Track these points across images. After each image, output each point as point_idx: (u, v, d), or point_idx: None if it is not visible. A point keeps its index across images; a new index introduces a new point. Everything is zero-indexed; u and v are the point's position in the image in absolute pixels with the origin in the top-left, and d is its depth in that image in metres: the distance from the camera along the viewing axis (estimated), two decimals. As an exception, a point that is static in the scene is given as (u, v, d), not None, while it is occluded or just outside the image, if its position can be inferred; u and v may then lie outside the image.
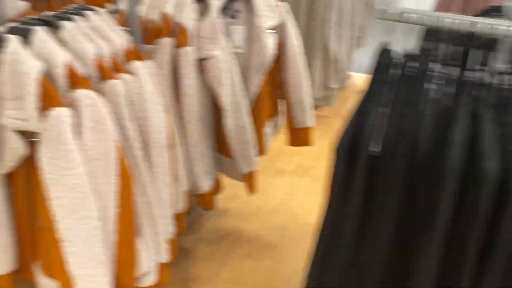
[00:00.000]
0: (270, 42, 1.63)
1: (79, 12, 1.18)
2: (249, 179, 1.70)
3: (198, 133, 1.55)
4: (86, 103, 0.99)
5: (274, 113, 1.90)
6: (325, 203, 1.16)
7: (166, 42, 1.44)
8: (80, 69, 1.05)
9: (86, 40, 1.11)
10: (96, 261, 1.01)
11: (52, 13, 1.15)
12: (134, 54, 1.22)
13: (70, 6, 1.22)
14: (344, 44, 2.78)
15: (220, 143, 1.70)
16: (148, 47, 1.48)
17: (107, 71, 1.10)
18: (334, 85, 2.87)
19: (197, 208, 2.00)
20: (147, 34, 1.51)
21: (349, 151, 1.04)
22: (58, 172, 0.95)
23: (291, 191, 2.32)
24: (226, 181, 1.84)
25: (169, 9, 1.48)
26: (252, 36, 1.63)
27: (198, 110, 1.53)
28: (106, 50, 1.14)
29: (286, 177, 2.44)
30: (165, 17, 1.48)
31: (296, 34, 1.75)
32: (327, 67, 2.78)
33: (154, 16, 1.51)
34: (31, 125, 0.95)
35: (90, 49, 1.08)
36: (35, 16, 1.12)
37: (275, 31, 1.68)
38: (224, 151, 1.70)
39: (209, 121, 1.62)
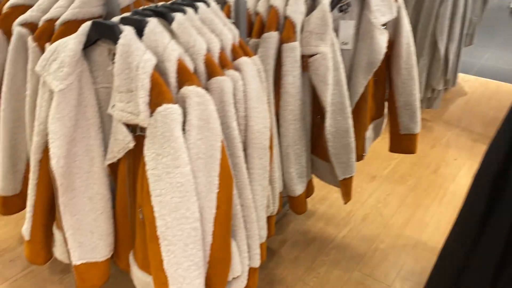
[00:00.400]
0: (382, 40, 1.50)
1: (190, 3, 1.15)
2: (345, 186, 1.60)
3: (295, 133, 1.47)
4: (195, 101, 0.94)
5: (377, 115, 1.77)
6: (457, 230, 1.02)
7: (272, 36, 1.37)
8: (189, 64, 1.02)
9: (197, 34, 1.07)
10: (191, 262, 0.98)
11: (164, 3, 1.13)
12: (242, 49, 1.16)
13: (182, -3, 1.19)
14: (455, 42, 2.54)
15: (316, 145, 1.61)
16: (253, 40, 1.43)
17: (215, 67, 1.05)
18: (439, 87, 2.64)
19: (283, 207, 1.93)
20: (252, 27, 1.45)
21: (494, 183, 0.89)
22: (163, 169, 0.93)
23: (385, 199, 2.17)
24: (315, 181, 1.75)
25: (277, 1, 1.41)
26: (363, 32, 1.51)
27: (298, 109, 1.45)
28: (215, 45, 1.09)
29: (380, 183, 2.29)
30: (272, 10, 1.40)
31: (410, 31, 1.60)
32: (435, 67, 2.56)
33: (261, 9, 1.45)
34: (140, 120, 0.93)
35: (201, 44, 1.04)
36: (148, 7, 1.10)
37: (385, 27, 1.54)
38: (320, 153, 1.61)
39: (307, 120, 1.53)
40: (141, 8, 1.09)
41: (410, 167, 2.43)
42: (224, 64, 1.09)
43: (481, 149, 2.58)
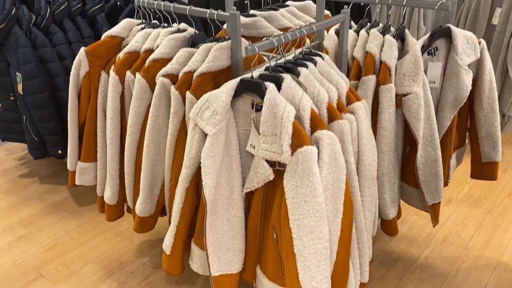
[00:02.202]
0: (468, 79, 1.66)
1: (309, 58, 1.38)
2: (434, 211, 1.75)
3: (390, 163, 1.65)
4: (326, 142, 1.16)
5: (459, 145, 1.92)
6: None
7: (371, 79, 1.57)
8: (316, 110, 1.24)
9: (319, 85, 1.29)
10: (323, 276, 1.18)
11: (289, 59, 1.37)
12: (353, 94, 1.38)
13: (301, 51, 1.42)
14: (526, 70, 2.64)
15: (405, 172, 1.78)
16: (351, 82, 1.64)
17: (336, 112, 1.26)
18: (510, 113, 2.73)
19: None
20: (349, 70, 1.67)
21: None
22: (302, 198, 1.14)
23: (462, 221, 2.29)
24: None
25: (373, 48, 1.61)
26: (449, 72, 1.68)
27: (392, 141, 1.63)
28: (334, 93, 1.31)
29: (456, 206, 2.41)
30: (369, 56, 1.61)
31: (491, 69, 1.75)
32: (506, 94, 2.67)
33: (357, 54, 1.66)
34: (283, 158, 1.15)
35: (323, 93, 1.26)
36: (278, 63, 1.34)
37: (469, 66, 1.71)
38: (409, 180, 1.78)
39: (399, 151, 1.71)
40: (273, 64, 1.32)
41: (484, 190, 2.53)
42: (341, 109, 1.31)
43: (556, 173, 2.64)
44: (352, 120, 1.30)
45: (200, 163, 1.29)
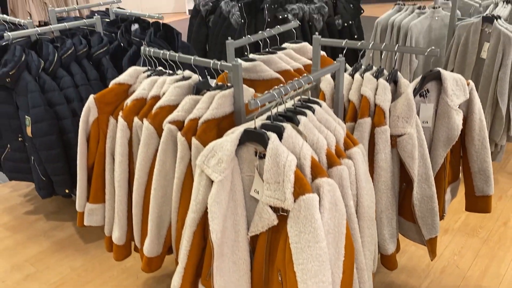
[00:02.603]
0: (458, 119, 1.75)
1: (308, 105, 1.46)
2: (431, 244, 1.82)
3: (388, 200, 1.73)
4: (327, 189, 1.23)
5: (453, 179, 2.00)
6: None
7: (366, 122, 1.66)
8: (316, 157, 1.32)
9: (318, 132, 1.37)
10: (326, 317, 1.24)
11: (288, 107, 1.45)
12: (350, 140, 1.46)
13: (299, 98, 1.51)
14: (516, 101, 2.74)
15: (402, 208, 1.85)
16: (347, 124, 1.72)
17: (335, 158, 1.34)
18: (502, 142, 2.82)
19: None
20: (347, 113, 1.75)
21: None
22: (305, 243, 1.21)
23: (460, 251, 2.35)
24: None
25: (368, 92, 1.70)
26: (441, 112, 1.77)
27: (389, 180, 1.71)
28: (332, 140, 1.39)
29: (453, 235, 2.48)
30: (364, 99, 1.70)
31: (480, 108, 1.84)
32: (498, 124, 2.76)
33: (353, 97, 1.75)
34: (286, 205, 1.22)
35: (322, 140, 1.35)
36: (278, 112, 1.43)
37: (459, 106, 1.80)
38: (406, 215, 1.85)
39: (395, 188, 1.79)
40: (274, 113, 1.41)
41: (480, 220, 2.60)
42: (339, 154, 1.39)
43: (549, 201, 2.71)
44: (350, 165, 1.38)
45: (207, 208, 1.36)
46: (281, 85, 1.40)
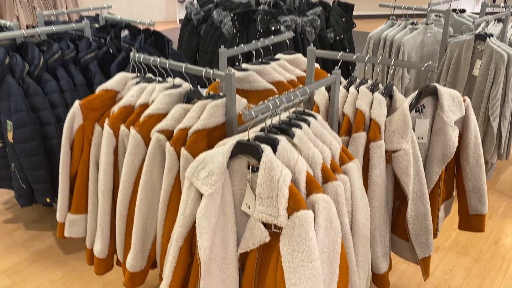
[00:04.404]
0: (454, 136, 1.72)
1: (303, 118, 1.41)
2: (424, 264, 1.77)
3: (381, 217, 1.68)
4: (322, 206, 1.18)
5: (447, 197, 1.96)
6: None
7: (361, 136, 1.61)
8: (311, 172, 1.26)
9: (313, 146, 1.32)
10: None
11: (283, 119, 1.40)
12: (346, 154, 1.41)
13: (294, 110, 1.46)
14: (507, 120, 2.73)
15: (395, 225, 1.80)
16: (342, 138, 1.67)
17: (330, 173, 1.29)
18: (493, 160, 2.81)
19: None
20: (341, 126, 1.71)
21: None
22: (299, 263, 1.15)
23: (451, 270, 2.31)
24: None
25: (363, 106, 1.66)
26: (437, 129, 1.74)
27: (383, 196, 1.66)
28: (327, 154, 1.34)
29: (444, 253, 2.43)
30: (359, 113, 1.66)
31: (476, 126, 1.82)
32: (489, 142, 2.75)
33: (347, 111, 1.70)
34: (279, 221, 1.16)
35: (318, 155, 1.29)
36: (272, 124, 1.37)
37: (455, 122, 1.77)
38: (400, 233, 1.80)
39: (389, 205, 1.74)
40: (268, 125, 1.35)
41: (471, 238, 2.56)
42: (334, 169, 1.34)
43: (539, 221, 2.69)
44: (346, 181, 1.32)
45: (195, 222, 1.29)
46: (276, 96, 1.35)
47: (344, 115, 1.71)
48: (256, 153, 1.23)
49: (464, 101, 1.76)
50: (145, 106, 1.68)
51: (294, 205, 1.16)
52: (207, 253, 1.27)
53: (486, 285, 2.20)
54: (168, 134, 1.55)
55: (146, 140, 1.60)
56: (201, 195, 1.28)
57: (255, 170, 1.28)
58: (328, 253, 1.20)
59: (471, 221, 1.92)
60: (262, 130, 1.35)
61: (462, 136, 1.81)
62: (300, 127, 1.37)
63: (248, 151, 1.26)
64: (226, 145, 1.28)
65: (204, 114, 1.51)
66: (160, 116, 1.61)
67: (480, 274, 2.27)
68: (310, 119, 1.41)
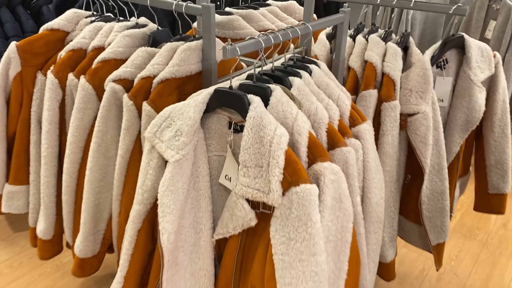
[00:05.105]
0: (481, 98, 1.41)
1: (303, 65, 1.08)
2: (438, 252, 1.49)
3: (391, 195, 1.38)
4: (330, 179, 0.86)
5: (463, 172, 1.67)
6: None
7: (372, 95, 1.30)
8: (314, 134, 0.94)
9: (316, 100, 0.99)
10: None
11: (277, 66, 1.06)
12: (358, 114, 1.09)
13: (291, 56, 1.12)
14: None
15: (405, 205, 1.51)
16: (347, 97, 1.35)
17: (338, 136, 0.97)
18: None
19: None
20: (346, 83, 1.38)
21: None
22: (296, 256, 0.83)
23: (457, 255, 2.04)
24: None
25: (374, 57, 1.34)
26: (461, 89, 1.43)
27: (394, 170, 1.36)
28: (335, 112, 1.01)
29: (449, 236, 2.16)
30: (370, 66, 1.33)
31: (505, 88, 1.51)
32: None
33: (354, 64, 1.38)
34: (271, 199, 0.84)
35: (323, 112, 0.97)
36: (263, 70, 1.04)
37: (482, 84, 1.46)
38: (410, 214, 1.51)
39: (400, 181, 1.44)
40: (258, 72, 1.02)
41: (477, 219, 2.30)
42: (344, 132, 1.02)
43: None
44: (357, 147, 1.01)
45: (157, 199, 0.97)
46: (270, 30, 1.01)
47: (349, 69, 1.39)
48: (241, 106, 0.90)
49: (494, 56, 1.45)
50: (100, 49, 1.32)
51: (292, 177, 0.83)
52: (172, 239, 0.95)
53: (496, 273, 1.94)
54: (126, 84, 1.21)
55: (99, 92, 1.25)
56: (166, 162, 0.95)
57: (238, 129, 0.95)
58: (335, 243, 0.89)
59: (491, 201, 1.63)
60: (249, 77, 1.02)
61: (488, 100, 1.50)
62: (299, 75, 1.03)
63: (229, 104, 0.93)
64: (199, 95, 0.95)
65: (174, 59, 1.17)
66: (118, 62, 1.26)
67: (490, 261, 2.01)
68: (312, 66, 1.08)
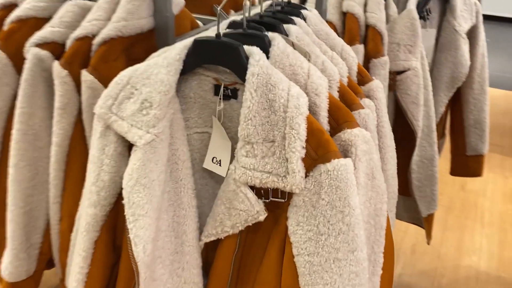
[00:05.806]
0: (466, 51, 1.29)
1: (294, 11, 0.85)
2: (428, 223, 1.37)
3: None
4: (363, 150, 0.65)
5: (440, 136, 1.56)
6: None
7: (359, 51, 1.11)
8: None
9: (320, 52, 0.78)
10: None
11: (265, 12, 0.83)
12: (364, 70, 0.89)
13: (272, 2, 0.89)
14: None
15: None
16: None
17: (353, 97, 0.77)
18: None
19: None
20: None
21: None
22: (329, 255, 0.62)
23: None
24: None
25: (355, 7, 1.15)
26: (445, 42, 1.29)
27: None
28: (342, 66, 0.81)
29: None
30: (351, 18, 1.14)
31: (484, 40, 1.40)
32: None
33: (332, 16, 1.18)
34: (290, 183, 0.62)
35: (332, 67, 0.76)
36: (250, 17, 0.80)
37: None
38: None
39: (386, 149, 1.28)
40: (241, 18, 0.77)
41: (478, 195, 2.23)
42: (355, 92, 0.81)
43: (501, 161, 2.47)
44: (373, 109, 0.81)
45: (119, 196, 0.71)
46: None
47: (328, 23, 1.18)
48: (236, 61, 0.66)
49: (475, 4, 1.33)
50: (10, 7, 0.99)
51: (317, 152, 0.62)
52: (149, 249, 0.69)
53: (467, 238, 1.90)
54: (56, 49, 0.91)
55: (17, 63, 0.93)
56: (129, 146, 0.69)
57: (230, 95, 0.71)
58: (368, 231, 0.70)
59: (468, 164, 1.55)
60: (232, 26, 0.77)
61: (471, 55, 1.38)
62: (292, 22, 0.81)
63: (216, 59, 0.68)
64: (173, 50, 0.69)
65: (119, 12, 0.89)
66: (39, 22, 0.95)
67: (457, 226, 1.97)
68: (306, 12, 0.86)
